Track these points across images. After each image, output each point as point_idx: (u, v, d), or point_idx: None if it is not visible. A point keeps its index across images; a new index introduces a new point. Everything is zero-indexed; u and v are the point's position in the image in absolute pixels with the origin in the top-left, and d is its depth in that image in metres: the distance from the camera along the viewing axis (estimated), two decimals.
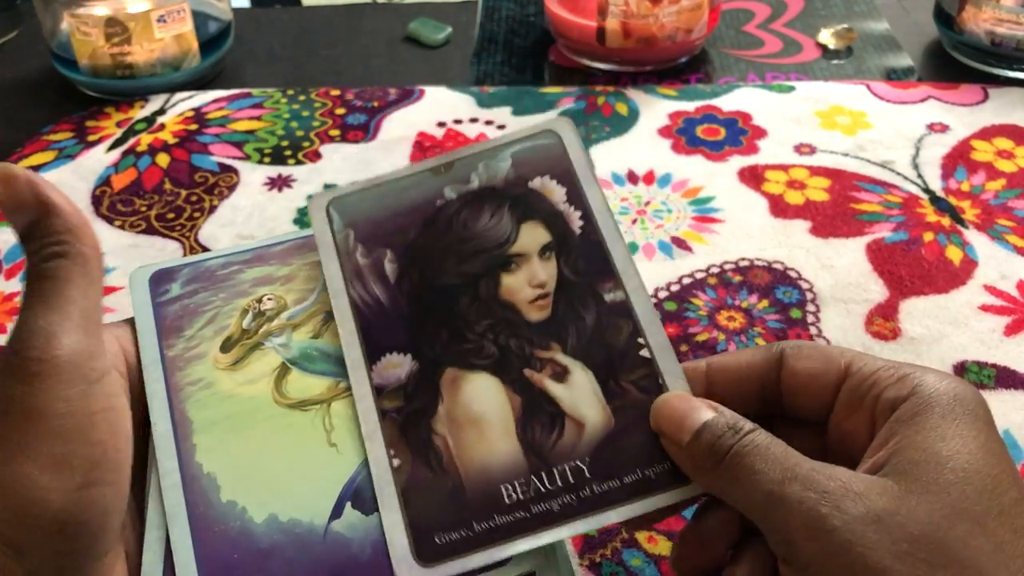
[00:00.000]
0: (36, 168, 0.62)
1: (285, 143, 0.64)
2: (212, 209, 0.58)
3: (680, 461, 0.30)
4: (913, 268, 0.52)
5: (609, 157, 0.61)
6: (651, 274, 0.52)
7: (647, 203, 0.57)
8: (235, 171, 0.61)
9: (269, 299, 0.35)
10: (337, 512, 0.30)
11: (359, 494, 0.31)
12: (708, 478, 0.29)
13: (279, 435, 0.32)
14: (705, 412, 0.30)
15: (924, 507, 0.26)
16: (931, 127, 0.63)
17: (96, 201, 0.59)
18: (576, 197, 0.35)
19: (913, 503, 0.26)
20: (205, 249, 0.55)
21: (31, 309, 0.28)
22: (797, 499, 0.27)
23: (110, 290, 0.52)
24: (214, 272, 0.36)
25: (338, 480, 0.31)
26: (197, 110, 0.67)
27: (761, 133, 0.63)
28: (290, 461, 0.31)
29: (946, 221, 0.55)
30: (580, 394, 0.32)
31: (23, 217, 0.29)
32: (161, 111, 0.67)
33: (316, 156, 0.63)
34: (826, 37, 0.74)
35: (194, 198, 0.59)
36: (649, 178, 0.60)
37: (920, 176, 0.59)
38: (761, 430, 0.29)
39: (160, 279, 0.36)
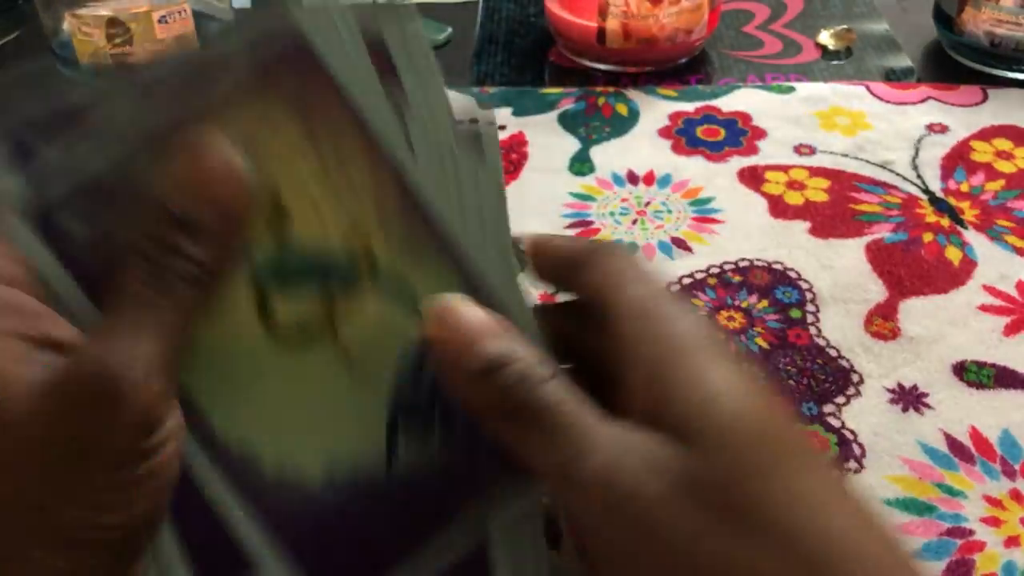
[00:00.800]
0: None
1: None
2: None
3: (461, 390, 0.26)
4: (912, 268, 0.52)
5: (609, 157, 0.62)
6: None
7: (647, 204, 0.58)
8: None
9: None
10: (392, 448, 0.27)
11: (407, 425, 0.28)
12: (494, 425, 0.25)
13: (297, 386, 0.27)
14: (495, 342, 0.25)
15: (723, 467, 0.23)
16: (930, 128, 0.63)
17: None
18: None
19: (714, 464, 0.23)
20: None
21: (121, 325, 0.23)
22: (591, 478, 0.23)
23: None
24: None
25: (379, 417, 0.27)
26: None
27: (761, 134, 0.63)
28: (317, 411, 0.27)
29: (945, 221, 0.56)
30: None
31: (191, 205, 0.23)
32: None
33: None
34: (826, 38, 0.74)
35: None
36: (649, 179, 0.60)
37: (919, 177, 0.59)
38: (559, 377, 0.25)
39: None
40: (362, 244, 0.27)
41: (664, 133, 0.64)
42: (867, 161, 0.61)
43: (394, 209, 0.27)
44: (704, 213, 0.57)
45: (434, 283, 0.27)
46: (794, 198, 0.58)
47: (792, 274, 0.52)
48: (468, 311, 0.26)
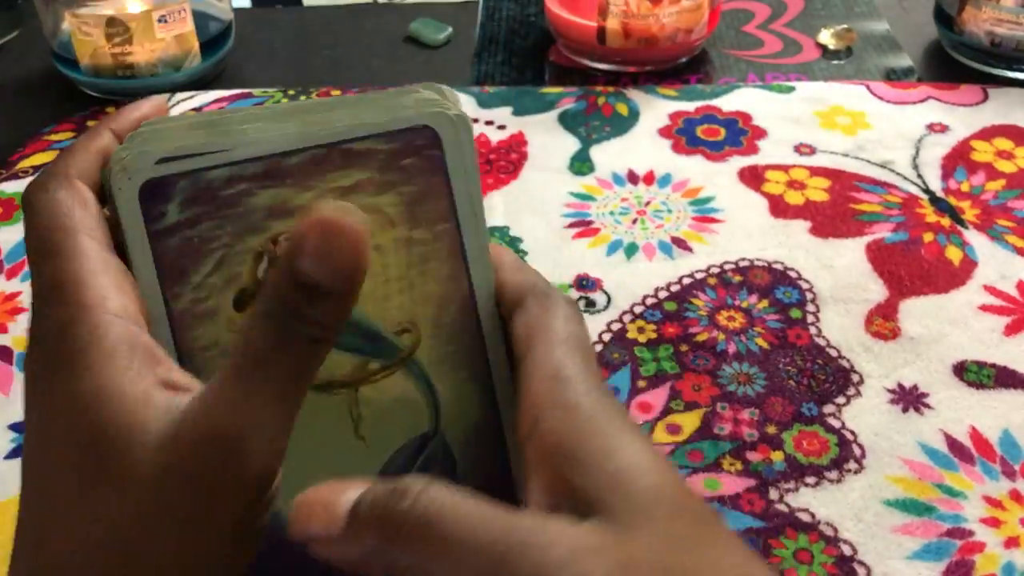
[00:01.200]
0: (37, 168, 0.62)
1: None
2: None
3: (345, 562, 0.24)
4: (913, 268, 0.52)
5: (609, 157, 0.61)
6: (651, 274, 0.52)
7: (647, 203, 0.58)
8: None
9: (288, 240, 0.26)
10: None
11: None
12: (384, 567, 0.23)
13: (302, 420, 0.27)
14: (353, 488, 0.24)
15: (655, 543, 0.22)
16: (931, 127, 0.63)
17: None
18: None
19: (646, 542, 0.22)
20: None
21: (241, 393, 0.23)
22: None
23: None
24: (217, 191, 0.27)
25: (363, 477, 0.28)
26: (198, 110, 0.67)
27: (761, 133, 0.63)
28: (312, 452, 0.28)
29: (946, 221, 0.56)
30: None
31: (327, 275, 0.23)
32: None
33: None
34: (826, 37, 0.74)
35: None
36: (649, 178, 0.60)
37: (920, 176, 0.59)
38: (437, 484, 0.23)
39: (154, 195, 0.27)
40: (411, 341, 0.29)
41: (664, 133, 0.64)
42: (867, 161, 0.61)
43: (450, 325, 0.29)
44: (704, 213, 0.57)
45: (455, 399, 0.30)
46: (794, 198, 0.58)
47: (792, 274, 0.52)
48: (313, 490, 0.24)
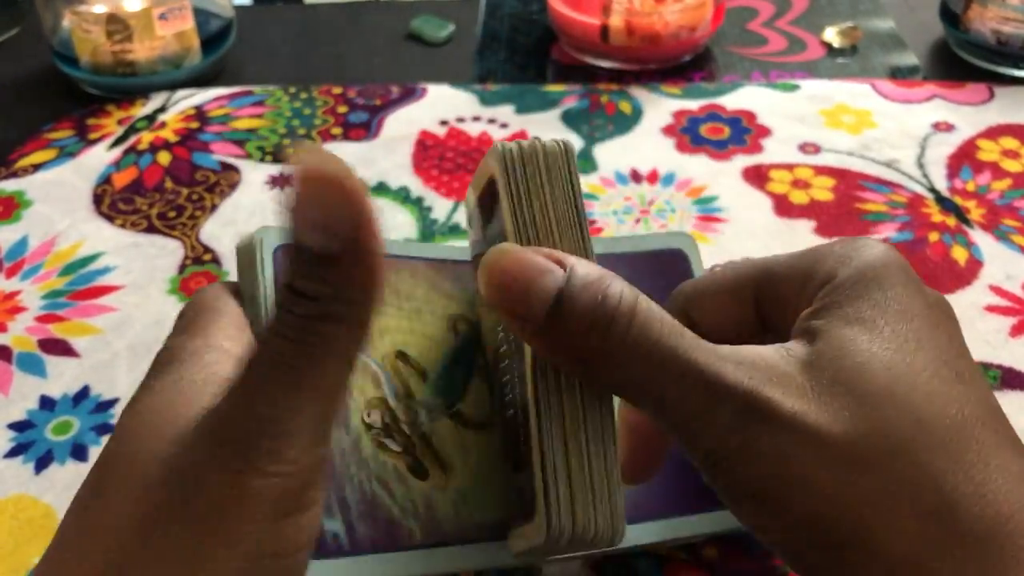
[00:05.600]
0: (36, 167, 0.61)
1: (287, 141, 0.64)
2: (214, 208, 0.58)
3: (537, 342, 0.23)
4: (918, 268, 0.52)
5: (612, 156, 0.61)
6: None
7: (650, 202, 0.57)
8: (237, 169, 0.61)
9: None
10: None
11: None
12: (585, 364, 0.23)
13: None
14: (557, 270, 0.23)
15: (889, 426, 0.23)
16: (936, 126, 0.63)
17: (97, 200, 0.59)
18: None
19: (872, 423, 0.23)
20: (207, 249, 0.54)
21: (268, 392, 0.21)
22: (734, 380, 0.22)
23: (109, 289, 0.52)
24: None
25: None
26: (198, 108, 0.67)
27: (765, 132, 0.63)
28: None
29: (951, 221, 0.55)
30: None
31: (319, 238, 0.20)
32: (162, 109, 0.67)
33: None
34: (831, 35, 0.74)
35: (195, 197, 0.59)
36: (653, 177, 0.59)
37: (925, 175, 0.59)
38: (641, 304, 0.23)
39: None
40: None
41: (668, 131, 0.63)
42: (873, 160, 0.60)
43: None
44: (708, 212, 0.56)
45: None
46: (799, 197, 0.57)
47: None
48: (521, 252, 0.23)
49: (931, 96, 0.66)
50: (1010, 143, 0.61)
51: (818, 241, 0.54)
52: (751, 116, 0.64)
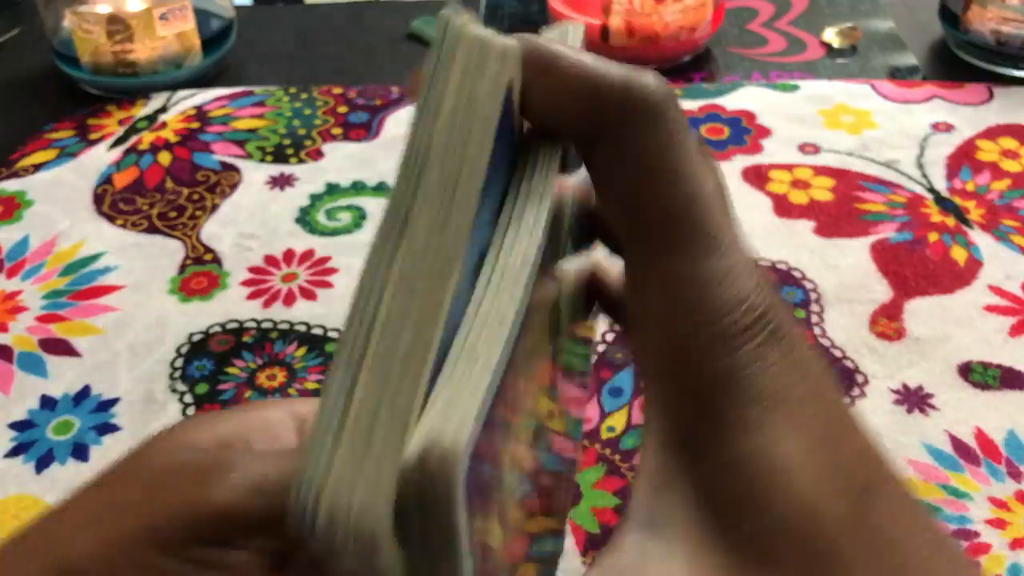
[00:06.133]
0: (37, 167, 0.62)
1: (287, 141, 0.64)
2: (214, 208, 0.58)
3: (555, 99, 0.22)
4: (918, 268, 0.52)
5: None
6: None
7: None
8: (237, 169, 0.61)
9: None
10: None
11: None
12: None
13: None
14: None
15: None
16: (936, 126, 0.63)
17: (98, 200, 0.59)
18: None
19: None
20: (208, 249, 0.55)
21: None
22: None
23: (110, 289, 0.52)
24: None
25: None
26: (199, 108, 0.67)
27: (765, 132, 0.63)
28: None
29: (951, 221, 0.55)
30: None
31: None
32: (163, 109, 0.67)
33: (318, 155, 0.62)
34: (831, 35, 0.74)
35: (196, 197, 0.59)
36: None
37: (925, 176, 0.59)
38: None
39: None
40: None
41: None
42: (872, 160, 0.60)
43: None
44: None
45: None
46: (799, 197, 0.57)
47: (796, 274, 0.52)
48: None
49: (930, 96, 0.66)
50: (1009, 143, 0.61)
51: (818, 241, 0.54)
52: (751, 116, 0.65)
